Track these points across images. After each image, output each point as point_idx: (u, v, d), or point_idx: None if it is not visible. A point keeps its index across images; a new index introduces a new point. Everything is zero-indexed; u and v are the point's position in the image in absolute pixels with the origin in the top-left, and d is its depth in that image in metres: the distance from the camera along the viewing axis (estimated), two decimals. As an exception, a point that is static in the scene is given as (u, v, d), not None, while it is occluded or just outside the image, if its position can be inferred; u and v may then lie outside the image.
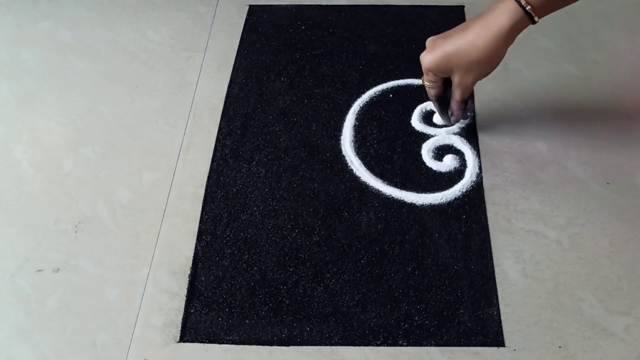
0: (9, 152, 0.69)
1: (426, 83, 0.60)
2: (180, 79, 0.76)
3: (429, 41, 0.57)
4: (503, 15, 0.52)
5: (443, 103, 0.62)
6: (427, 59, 0.56)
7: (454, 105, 0.61)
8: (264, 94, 0.73)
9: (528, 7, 0.50)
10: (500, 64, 0.70)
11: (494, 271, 0.57)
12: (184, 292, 0.57)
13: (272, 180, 0.65)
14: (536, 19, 0.51)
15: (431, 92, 0.61)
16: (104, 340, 0.54)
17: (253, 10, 0.83)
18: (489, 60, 0.54)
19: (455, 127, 0.68)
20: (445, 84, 0.59)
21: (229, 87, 0.74)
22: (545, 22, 0.78)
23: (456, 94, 0.59)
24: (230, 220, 0.62)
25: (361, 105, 0.71)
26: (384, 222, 0.61)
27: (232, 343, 0.54)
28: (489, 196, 0.62)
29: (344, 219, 0.62)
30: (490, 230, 0.60)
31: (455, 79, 0.57)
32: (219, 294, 0.57)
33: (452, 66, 0.55)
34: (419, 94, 0.72)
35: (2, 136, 0.71)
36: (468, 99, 0.61)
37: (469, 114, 0.63)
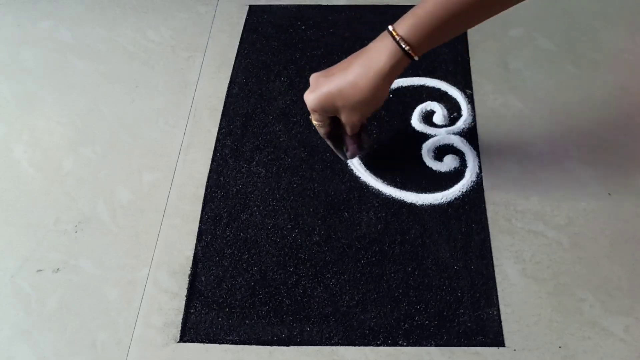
0: (9, 152, 0.69)
1: (314, 122, 0.58)
2: (180, 79, 0.76)
3: (312, 79, 0.56)
4: (383, 55, 0.50)
5: (335, 140, 0.61)
6: (310, 98, 0.55)
7: (347, 140, 0.60)
8: (264, 94, 0.73)
9: (407, 48, 0.49)
10: (500, 64, 0.70)
11: (494, 271, 0.57)
12: (184, 292, 0.57)
13: (272, 180, 0.65)
14: (416, 58, 0.50)
15: (320, 130, 0.59)
16: (104, 340, 0.54)
17: (253, 10, 0.83)
18: (372, 99, 0.53)
19: (455, 127, 0.68)
20: (335, 121, 0.58)
21: (229, 87, 0.74)
22: (545, 22, 0.78)
23: (347, 130, 0.57)
24: (230, 220, 0.62)
25: (361, 105, 0.71)
26: (384, 222, 0.61)
27: (232, 343, 0.54)
28: (489, 196, 0.62)
29: (344, 219, 0.62)
30: (490, 230, 0.60)
31: (342, 118, 0.55)
32: (219, 294, 0.57)
33: (336, 106, 0.54)
34: (419, 94, 0.72)
35: (2, 136, 0.71)
36: (361, 133, 0.60)
37: (364, 146, 0.61)
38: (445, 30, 0.49)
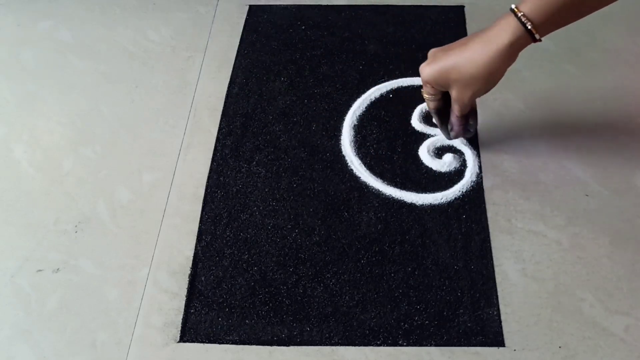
0: (9, 152, 0.69)
1: (425, 95, 0.59)
2: (180, 79, 0.76)
3: (430, 53, 0.56)
4: (503, 32, 0.50)
5: (443, 116, 0.61)
6: (426, 71, 0.56)
7: (453, 119, 0.60)
8: (264, 94, 0.73)
9: (529, 25, 0.49)
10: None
11: (494, 271, 0.57)
12: (184, 292, 0.57)
13: (272, 180, 0.65)
14: (537, 36, 0.50)
15: (430, 104, 0.60)
16: (104, 340, 0.54)
17: (253, 10, 0.83)
18: (487, 78, 0.53)
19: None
20: (445, 97, 0.58)
21: (229, 87, 0.74)
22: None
23: (454, 109, 0.58)
24: (230, 220, 0.62)
25: (361, 105, 0.71)
26: (384, 222, 0.61)
27: (232, 343, 0.54)
28: (489, 196, 0.62)
29: (344, 219, 0.62)
30: (490, 230, 0.60)
31: (453, 94, 0.56)
32: (219, 294, 0.57)
33: (449, 81, 0.54)
34: (419, 94, 0.71)
35: (2, 136, 0.71)
36: (470, 116, 0.60)
37: (471, 130, 0.62)
38: (570, 11, 0.49)
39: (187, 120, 0.71)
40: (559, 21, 0.50)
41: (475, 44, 0.52)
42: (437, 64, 0.55)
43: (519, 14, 0.49)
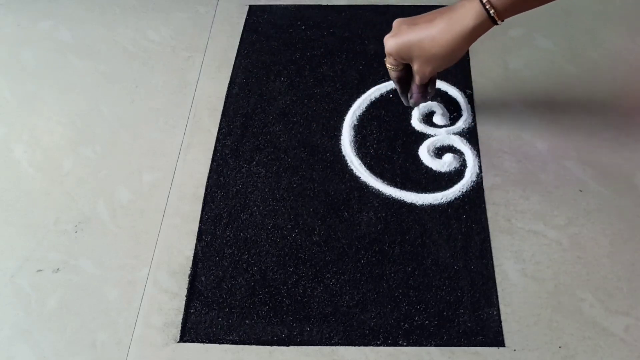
0: (9, 152, 0.69)
1: (388, 65, 0.61)
2: (180, 79, 0.76)
3: (395, 23, 0.58)
4: (467, 15, 0.52)
5: (404, 85, 0.63)
6: (390, 43, 0.58)
7: (414, 88, 0.62)
8: (264, 94, 0.73)
9: (492, 11, 0.51)
10: (500, 64, 0.70)
11: (494, 271, 0.57)
12: (184, 292, 0.57)
13: (272, 180, 0.65)
14: (499, 22, 0.52)
15: (392, 74, 0.62)
16: (104, 340, 0.54)
17: (253, 10, 0.83)
18: (449, 56, 0.55)
19: (455, 127, 0.68)
20: (407, 68, 0.61)
21: (229, 87, 0.74)
22: (545, 22, 0.78)
23: (416, 79, 0.60)
24: (230, 220, 0.62)
25: (361, 105, 0.71)
26: (384, 222, 0.61)
27: (232, 343, 0.54)
28: (489, 196, 0.62)
29: (344, 219, 0.62)
30: (490, 230, 0.60)
31: (414, 67, 0.58)
32: (219, 294, 0.57)
33: (412, 55, 0.57)
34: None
35: (2, 136, 0.71)
36: (428, 84, 0.62)
37: (428, 97, 0.64)
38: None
39: (187, 120, 0.71)
40: (520, 6, 0.52)
41: (439, 23, 0.54)
42: (401, 38, 0.57)
43: (484, 0, 0.51)
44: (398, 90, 0.65)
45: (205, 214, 0.63)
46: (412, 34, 0.56)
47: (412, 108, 0.69)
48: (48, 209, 0.64)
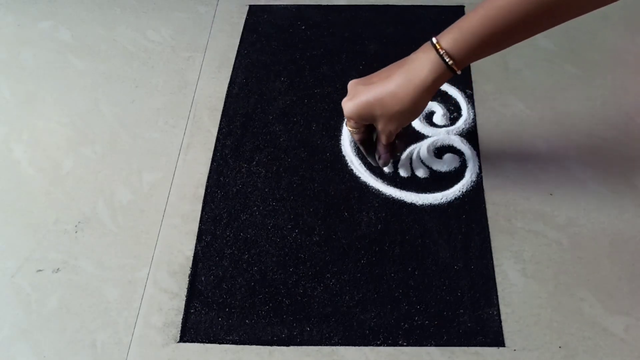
0: (9, 152, 0.69)
1: (349, 129, 0.58)
2: (180, 79, 0.76)
3: (350, 85, 0.55)
4: (425, 68, 0.50)
5: (368, 146, 0.60)
6: (348, 106, 0.55)
7: (381, 148, 0.59)
8: (264, 94, 0.73)
9: (450, 62, 0.49)
10: (500, 64, 0.70)
11: (494, 271, 0.57)
12: (184, 292, 0.57)
13: (272, 180, 0.65)
14: (458, 72, 0.50)
15: (355, 137, 0.59)
16: (104, 340, 0.54)
17: (253, 10, 0.83)
18: (411, 110, 0.52)
19: (455, 127, 0.68)
20: (369, 128, 0.58)
21: (229, 87, 0.74)
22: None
23: (381, 139, 0.57)
24: (230, 220, 0.62)
25: (361, 105, 0.71)
26: (384, 222, 0.61)
27: (232, 343, 0.54)
28: (489, 196, 0.62)
29: (344, 219, 0.62)
30: (490, 230, 0.60)
31: (379, 127, 0.55)
32: (219, 294, 0.57)
33: (374, 115, 0.54)
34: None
35: (2, 136, 0.71)
36: (395, 141, 0.59)
37: (397, 154, 0.61)
38: (489, 46, 0.48)
39: (187, 120, 0.71)
40: (479, 56, 0.49)
41: (397, 79, 0.51)
42: (359, 99, 0.54)
43: (441, 52, 0.49)
44: (364, 152, 0.62)
45: (205, 214, 0.63)
46: (369, 93, 0.53)
47: (380, 168, 0.65)
48: (48, 209, 0.64)
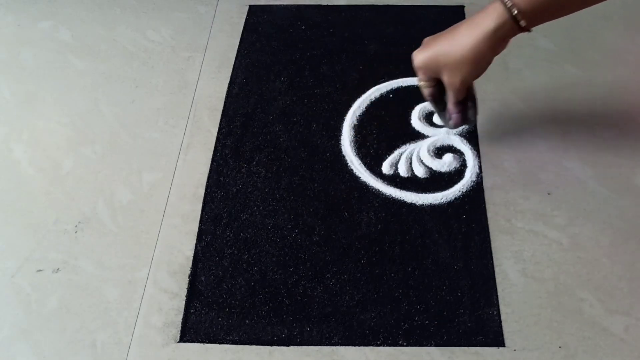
0: (9, 152, 0.69)
1: (419, 82, 0.60)
2: (180, 79, 0.76)
3: (424, 41, 0.58)
4: (489, 17, 0.51)
5: (439, 104, 0.62)
6: (417, 57, 0.57)
7: (451, 107, 0.60)
8: (264, 94, 0.73)
9: (514, 10, 0.49)
10: (500, 64, 0.70)
11: (494, 271, 0.57)
12: (184, 292, 0.57)
13: (272, 180, 0.65)
14: (523, 23, 0.49)
15: (424, 91, 0.61)
16: (104, 340, 0.54)
17: (253, 10, 0.83)
18: (474, 61, 0.53)
19: (455, 129, 0.68)
20: (440, 85, 0.59)
21: (229, 87, 0.74)
22: (546, 22, 0.78)
23: (449, 95, 0.59)
24: (230, 220, 0.62)
25: (361, 105, 0.71)
26: (384, 222, 0.61)
27: (232, 343, 0.54)
28: (489, 196, 0.62)
29: (344, 219, 0.62)
30: (490, 230, 0.60)
31: (444, 79, 0.57)
32: (219, 294, 0.57)
33: (439, 66, 0.56)
34: (419, 94, 0.71)
35: (2, 136, 0.71)
36: (468, 105, 0.60)
37: (471, 119, 0.62)
38: (559, 4, 0.48)
39: (187, 120, 0.71)
40: (548, 11, 0.49)
41: (462, 29, 0.53)
42: (427, 51, 0.56)
43: (506, 0, 0.49)
44: (435, 110, 0.64)
45: (205, 214, 0.63)
46: (437, 44, 0.55)
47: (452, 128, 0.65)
48: (48, 209, 0.64)
